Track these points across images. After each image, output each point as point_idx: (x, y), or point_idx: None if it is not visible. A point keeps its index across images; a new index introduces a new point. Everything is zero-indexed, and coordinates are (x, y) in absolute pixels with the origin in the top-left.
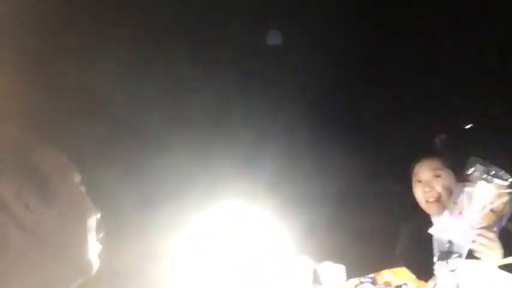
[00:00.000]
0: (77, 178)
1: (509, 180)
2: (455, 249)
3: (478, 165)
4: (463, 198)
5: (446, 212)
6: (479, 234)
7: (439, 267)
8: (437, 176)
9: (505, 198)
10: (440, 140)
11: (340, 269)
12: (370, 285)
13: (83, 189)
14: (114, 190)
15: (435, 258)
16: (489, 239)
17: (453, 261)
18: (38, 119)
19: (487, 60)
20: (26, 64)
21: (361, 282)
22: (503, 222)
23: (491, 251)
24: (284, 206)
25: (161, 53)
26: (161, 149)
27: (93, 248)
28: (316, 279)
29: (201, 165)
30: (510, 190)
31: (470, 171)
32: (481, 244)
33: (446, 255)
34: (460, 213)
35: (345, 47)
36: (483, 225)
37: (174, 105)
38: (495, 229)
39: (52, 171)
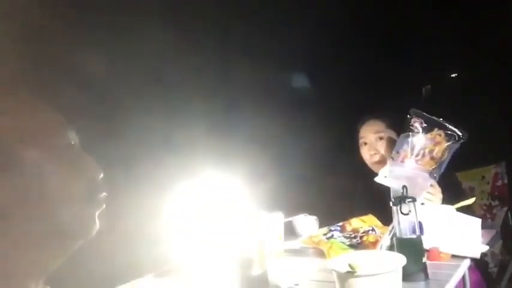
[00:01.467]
0: (63, 140)
1: (448, 127)
2: (409, 193)
3: (417, 116)
4: (404, 148)
5: (389, 161)
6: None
7: (394, 211)
8: (381, 139)
9: (444, 146)
10: (425, 90)
11: (312, 220)
12: (338, 232)
13: (71, 149)
14: (98, 151)
15: (391, 204)
16: (421, 185)
17: (407, 206)
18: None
19: None
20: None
21: (330, 230)
22: (442, 168)
23: (432, 196)
24: (259, 169)
25: (139, 20)
26: (140, 112)
27: (88, 207)
28: (291, 230)
29: (179, 127)
30: (448, 137)
31: (411, 122)
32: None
33: (400, 200)
34: (402, 161)
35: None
36: (422, 169)
37: (154, 72)
38: (435, 175)
39: (47, 129)
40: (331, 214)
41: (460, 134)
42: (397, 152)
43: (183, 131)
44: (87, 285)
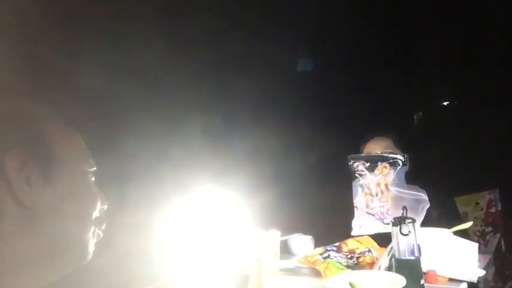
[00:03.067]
0: (88, 166)
1: (389, 157)
2: (408, 215)
3: (357, 159)
4: (360, 194)
5: (356, 212)
6: (390, 215)
7: (394, 232)
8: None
9: (389, 175)
10: (417, 117)
11: (308, 240)
12: (335, 252)
13: (91, 177)
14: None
15: (390, 225)
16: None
17: (406, 226)
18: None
19: None
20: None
21: (327, 250)
22: (394, 190)
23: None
24: (254, 185)
25: (136, 32)
26: (136, 125)
27: (90, 236)
28: (287, 249)
29: (175, 141)
30: (392, 166)
31: (354, 167)
32: None
33: (400, 220)
34: (368, 206)
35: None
36: (388, 204)
37: (148, 82)
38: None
39: (60, 151)
40: (327, 233)
41: (402, 158)
42: (356, 201)
43: (180, 145)
44: None
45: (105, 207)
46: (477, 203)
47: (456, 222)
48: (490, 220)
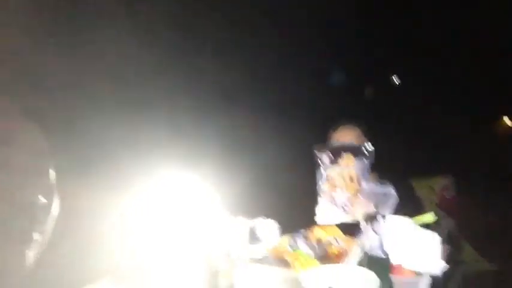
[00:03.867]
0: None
1: (354, 147)
2: (378, 209)
3: (321, 150)
4: (324, 185)
5: (320, 201)
6: (353, 206)
7: (365, 228)
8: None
9: (353, 167)
10: (367, 91)
11: (272, 225)
12: (302, 241)
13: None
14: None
15: (363, 221)
16: (361, 204)
17: (377, 223)
18: None
19: None
20: None
21: (294, 239)
22: (364, 185)
23: (364, 213)
24: (219, 171)
25: (99, 14)
26: (97, 109)
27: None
28: (252, 236)
29: (136, 129)
30: (357, 157)
31: (318, 158)
32: (358, 212)
33: (371, 217)
34: (331, 197)
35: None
36: (350, 196)
37: (111, 66)
38: (360, 195)
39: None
40: (291, 219)
41: (367, 148)
42: (321, 191)
43: (145, 130)
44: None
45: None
46: (431, 187)
47: (418, 211)
48: (443, 205)
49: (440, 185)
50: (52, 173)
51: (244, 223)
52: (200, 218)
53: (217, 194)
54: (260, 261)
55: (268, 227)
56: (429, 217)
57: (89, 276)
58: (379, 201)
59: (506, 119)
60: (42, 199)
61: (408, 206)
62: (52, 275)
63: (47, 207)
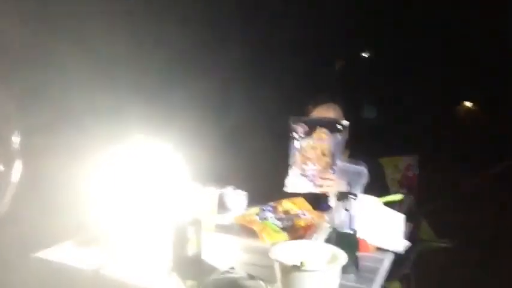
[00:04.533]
0: None
1: (329, 122)
2: (352, 190)
3: (297, 122)
4: (297, 156)
5: (290, 172)
6: (322, 179)
7: (337, 205)
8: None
9: (327, 141)
10: (339, 64)
11: (242, 195)
12: (271, 213)
13: None
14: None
15: (330, 199)
16: (330, 179)
17: (348, 202)
18: None
19: None
20: None
21: (263, 210)
22: (336, 160)
23: (336, 188)
24: (190, 136)
25: None
26: (62, 74)
27: None
28: (221, 204)
29: (106, 90)
30: (331, 131)
31: (293, 129)
32: (327, 186)
33: (343, 195)
34: (302, 169)
35: None
36: (321, 168)
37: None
38: (331, 170)
39: None
40: (262, 190)
41: (341, 124)
42: (292, 162)
43: (110, 94)
44: (4, 249)
45: None
46: (396, 166)
47: (383, 189)
48: (405, 183)
49: (404, 163)
50: (16, 139)
51: (213, 192)
52: (168, 185)
53: (186, 162)
54: (227, 230)
55: (237, 197)
56: (396, 197)
57: (52, 239)
58: (351, 179)
59: (467, 103)
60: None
61: (375, 184)
62: (15, 238)
63: (7, 173)
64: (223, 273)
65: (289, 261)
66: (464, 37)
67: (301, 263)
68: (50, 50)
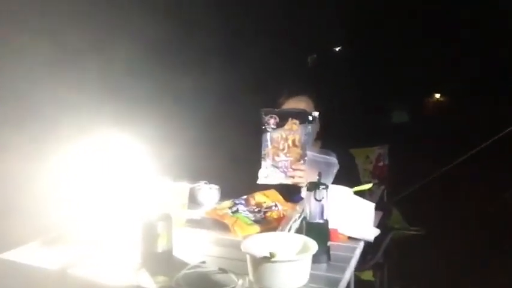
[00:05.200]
0: None
1: (300, 114)
2: (323, 180)
3: (269, 114)
4: (268, 147)
5: (263, 163)
6: (293, 169)
7: (307, 196)
8: None
9: (298, 132)
10: (311, 59)
11: (214, 189)
12: (243, 206)
13: None
14: None
15: (302, 190)
16: (301, 170)
17: (320, 192)
18: None
19: None
20: None
21: (235, 204)
22: (306, 151)
23: (307, 179)
24: (161, 130)
25: None
26: (27, 67)
27: None
28: (192, 198)
29: (73, 84)
30: (302, 123)
31: (265, 120)
32: (299, 176)
33: (315, 186)
34: (273, 159)
35: None
36: (293, 159)
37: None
38: (302, 161)
39: None
40: (234, 184)
41: (312, 115)
42: (265, 152)
43: (77, 87)
44: None
45: None
46: (367, 156)
47: (355, 179)
48: (376, 173)
49: (375, 154)
50: None
51: (184, 186)
52: (137, 181)
53: (157, 156)
54: (199, 224)
55: (209, 191)
56: (367, 186)
57: (18, 240)
58: (322, 169)
59: (437, 95)
60: None
61: (346, 175)
62: None
63: None
64: (193, 267)
65: (260, 254)
66: (435, 32)
67: (271, 254)
68: (11, 43)
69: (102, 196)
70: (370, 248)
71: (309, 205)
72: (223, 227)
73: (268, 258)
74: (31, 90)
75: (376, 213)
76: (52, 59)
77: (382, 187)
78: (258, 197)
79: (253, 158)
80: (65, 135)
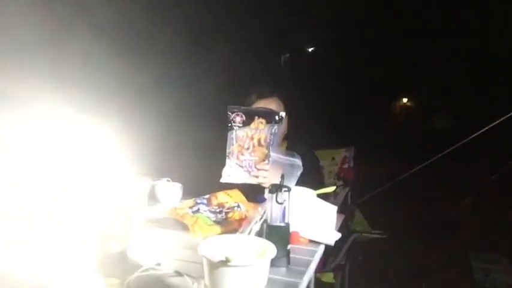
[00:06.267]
0: None
1: (267, 113)
2: (285, 182)
3: (234, 111)
4: (233, 145)
5: (227, 162)
6: (258, 169)
7: (269, 199)
8: None
9: (264, 131)
10: (284, 58)
11: (177, 187)
12: (205, 206)
13: None
14: None
15: (266, 191)
16: (265, 170)
17: (282, 195)
18: None
19: None
20: None
21: (197, 203)
22: (272, 150)
23: (271, 179)
24: (118, 127)
25: None
26: None
27: None
28: (153, 196)
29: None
30: (269, 122)
31: (231, 118)
32: (263, 177)
33: (277, 189)
34: (237, 158)
35: None
36: (257, 159)
37: None
38: (266, 161)
39: None
40: (198, 182)
41: (279, 115)
42: (230, 151)
43: (27, 82)
44: None
45: None
46: (333, 158)
47: (319, 181)
48: (342, 175)
49: (341, 156)
50: None
51: (145, 184)
52: (92, 178)
53: (117, 152)
54: (159, 224)
55: (171, 189)
56: (330, 189)
57: None
58: (285, 171)
59: (405, 99)
60: None
61: (310, 177)
62: None
63: None
64: (147, 269)
65: (217, 257)
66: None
67: (226, 258)
68: None
69: (56, 193)
70: (331, 250)
71: (271, 208)
72: (183, 227)
73: (225, 262)
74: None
75: (338, 216)
76: (6, 52)
77: (347, 189)
78: (221, 196)
79: (218, 156)
80: (13, 130)
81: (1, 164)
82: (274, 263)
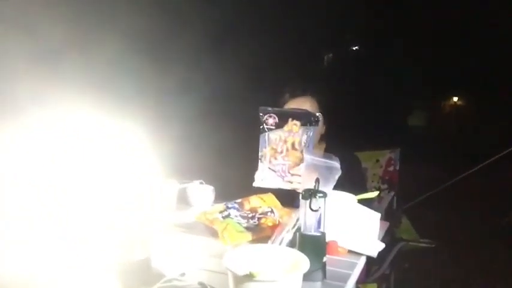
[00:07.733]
0: None
1: (301, 114)
2: (321, 187)
3: (267, 113)
4: (265, 148)
5: (259, 166)
6: (292, 174)
7: (302, 206)
8: None
9: (298, 134)
10: (327, 58)
11: (209, 190)
12: (236, 211)
13: None
14: None
15: (300, 197)
16: (299, 175)
17: (316, 202)
18: None
19: None
20: None
21: (227, 208)
22: (309, 152)
23: (306, 184)
24: (152, 127)
25: None
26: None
27: None
28: (184, 199)
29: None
30: (303, 124)
31: (263, 120)
32: (297, 182)
33: (311, 194)
34: (270, 162)
35: None
36: (291, 163)
37: None
38: (300, 166)
39: None
40: (230, 185)
41: (315, 117)
42: (262, 154)
43: (59, 86)
44: None
45: None
46: (377, 160)
47: (361, 186)
48: (386, 178)
49: (386, 157)
50: None
51: (173, 186)
52: (124, 179)
53: (146, 154)
54: (188, 229)
55: (203, 192)
56: (373, 194)
57: None
58: (321, 174)
59: (453, 99)
60: None
61: (350, 180)
62: None
63: None
64: (170, 280)
65: (244, 269)
66: (451, 35)
67: (250, 273)
68: None
69: (81, 196)
70: (375, 259)
71: (304, 215)
72: (211, 232)
73: (250, 277)
74: (12, 88)
75: (383, 223)
76: (33, 56)
77: (392, 193)
78: (254, 200)
79: (251, 159)
80: (45, 134)
81: (20, 164)
82: (308, 276)
